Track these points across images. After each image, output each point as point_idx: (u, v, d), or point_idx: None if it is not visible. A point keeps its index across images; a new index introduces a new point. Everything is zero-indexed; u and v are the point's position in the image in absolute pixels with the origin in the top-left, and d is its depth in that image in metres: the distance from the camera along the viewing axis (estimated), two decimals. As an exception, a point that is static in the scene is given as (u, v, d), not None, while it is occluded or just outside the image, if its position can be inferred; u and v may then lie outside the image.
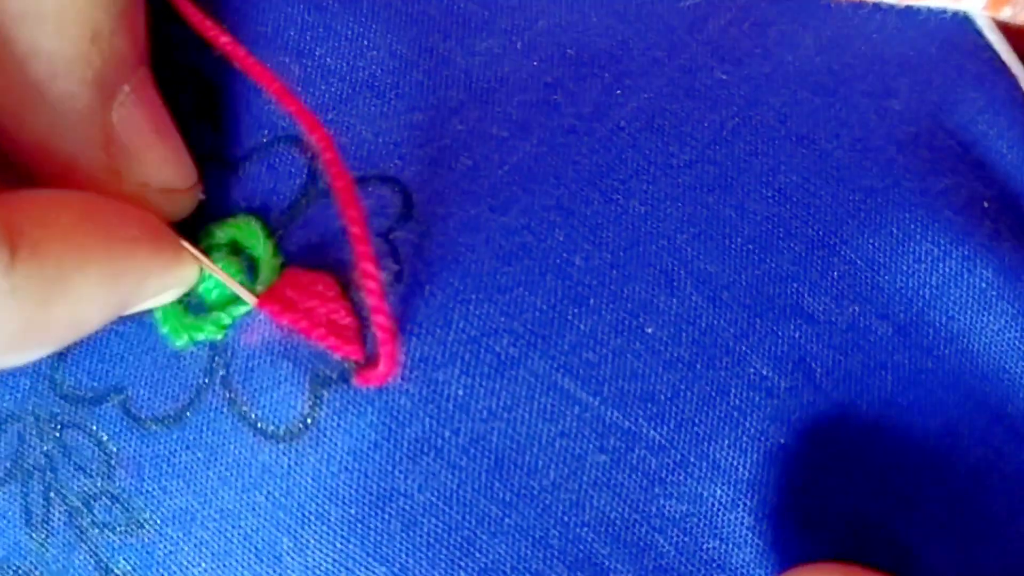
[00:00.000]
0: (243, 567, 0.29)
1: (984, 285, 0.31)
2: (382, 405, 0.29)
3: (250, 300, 0.30)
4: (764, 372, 0.30)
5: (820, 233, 0.31)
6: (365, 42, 0.32)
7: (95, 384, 0.31)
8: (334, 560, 0.29)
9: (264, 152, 0.32)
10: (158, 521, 0.30)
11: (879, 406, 0.31)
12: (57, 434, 0.30)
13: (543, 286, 0.30)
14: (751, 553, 0.30)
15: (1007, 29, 0.34)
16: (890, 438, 0.31)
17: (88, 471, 0.30)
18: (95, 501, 0.30)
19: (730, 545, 0.30)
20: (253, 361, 0.30)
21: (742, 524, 0.30)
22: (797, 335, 0.30)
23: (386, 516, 0.29)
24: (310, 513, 0.29)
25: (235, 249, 0.31)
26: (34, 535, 0.30)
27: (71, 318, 0.27)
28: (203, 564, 0.29)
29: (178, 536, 0.30)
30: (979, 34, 0.34)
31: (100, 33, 0.28)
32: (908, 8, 0.34)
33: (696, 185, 0.31)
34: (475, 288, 0.30)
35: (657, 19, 0.33)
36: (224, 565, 0.29)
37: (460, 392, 0.29)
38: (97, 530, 0.30)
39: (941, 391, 0.31)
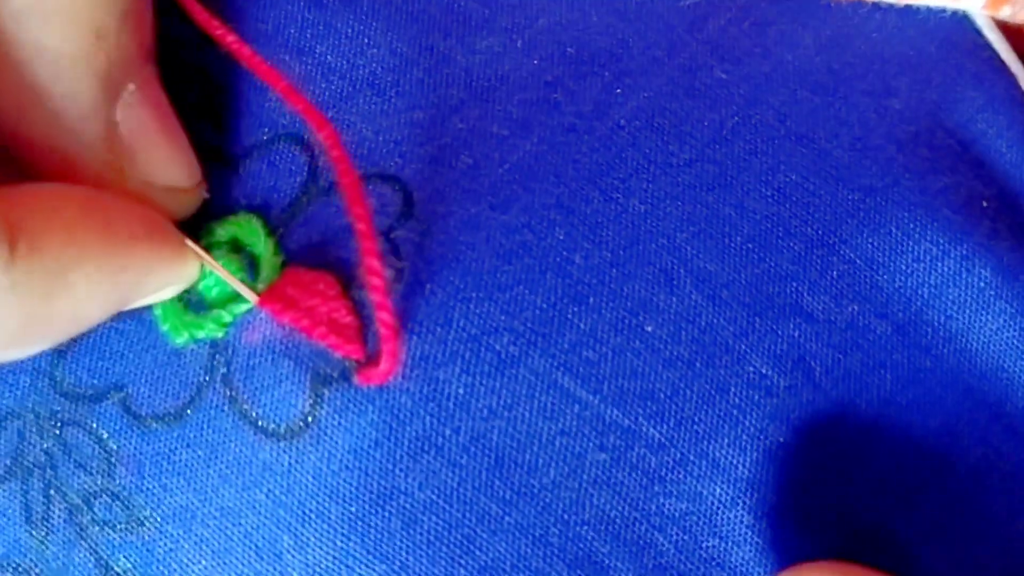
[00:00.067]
0: (243, 565, 0.29)
1: (983, 284, 0.31)
2: (383, 403, 0.29)
3: (251, 298, 0.30)
4: (763, 371, 0.30)
5: (819, 232, 0.31)
6: (365, 40, 0.33)
7: (95, 382, 0.31)
8: (334, 558, 0.29)
9: (265, 150, 0.32)
10: (158, 519, 0.30)
11: (878, 405, 0.31)
12: (57, 432, 0.30)
13: (543, 284, 0.30)
14: (750, 551, 0.30)
15: (1006, 28, 0.34)
16: (889, 437, 0.31)
17: (88, 469, 0.30)
18: (95, 499, 0.30)
19: (729, 543, 0.30)
20: (254, 359, 0.30)
21: (741, 522, 0.30)
22: (796, 334, 0.31)
23: (386, 514, 0.29)
24: (310, 511, 0.29)
25: (236, 247, 0.31)
26: (34, 533, 0.30)
27: (71, 313, 0.27)
28: (203, 562, 0.29)
29: (178, 534, 0.30)
30: (978, 33, 0.34)
31: (105, 31, 0.28)
32: (907, 7, 0.34)
33: (696, 184, 0.31)
34: (475, 286, 0.30)
35: (657, 18, 0.33)
36: (224, 563, 0.29)
37: (460, 390, 0.29)
38: (97, 528, 0.30)
39: (940, 390, 0.31)
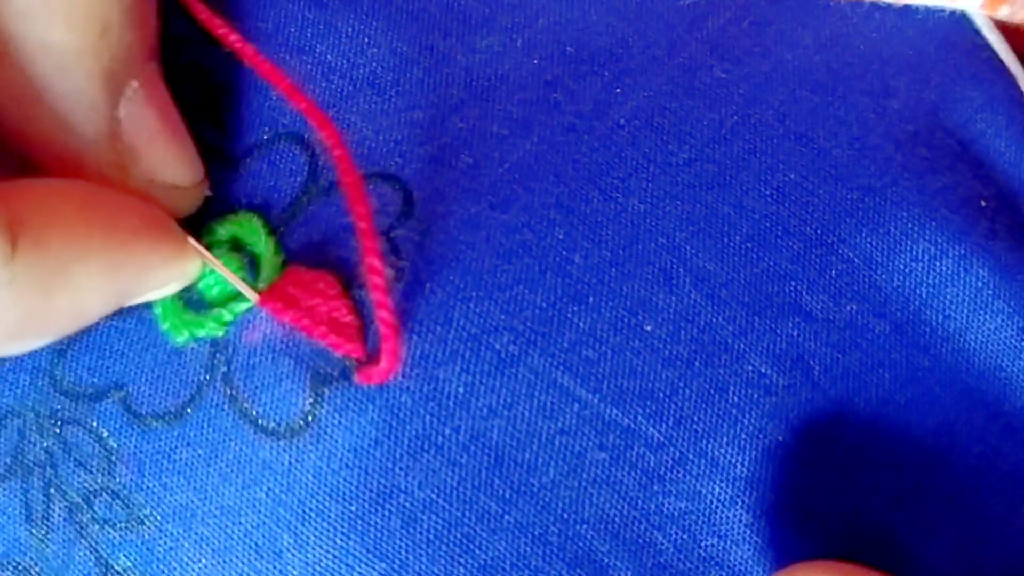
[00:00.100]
0: (243, 563, 0.29)
1: (980, 284, 0.31)
2: (382, 402, 0.29)
3: (252, 297, 0.30)
4: (762, 369, 0.30)
5: (818, 231, 0.31)
6: (366, 39, 0.33)
7: (95, 380, 0.31)
8: (334, 557, 0.29)
9: (265, 149, 0.32)
10: (158, 517, 0.30)
11: (876, 404, 0.31)
12: (57, 430, 0.30)
13: (543, 284, 0.30)
14: (749, 550, 0.30)
15: (1005, 28, 0.34)
16: (887, 436, 0.31)
17: (88, 467, 0.30)
18: (95, 497, 0.30)
19: (728, 542, 0.30)
20: (254, 358, 0.30)
21: (740, 521, 0.30)
22: (795, 333, 0.31)
23: (386, 513, 0.29)
24: (310, 510, 0.29)
25: (236, 246, 0.31)
26: (34, 531, 0.30)
27: (71, 308, 0.27)
28: (203, 560, 0.29)
29: (178, 532, 0.30)
30: (977, 33, 0.34)
31: (110, 27, 0.28)
32: (906, 7, 0.34)
33: (695, 183, 0.31)
34: (475, 286, 0.30)
35: (657, 17, 0.33)
36: (224, 561, 0.29)
37: (460, 389, 0.29)
38: (97, 526, 0.30)
39: (938, 389, 0.31)
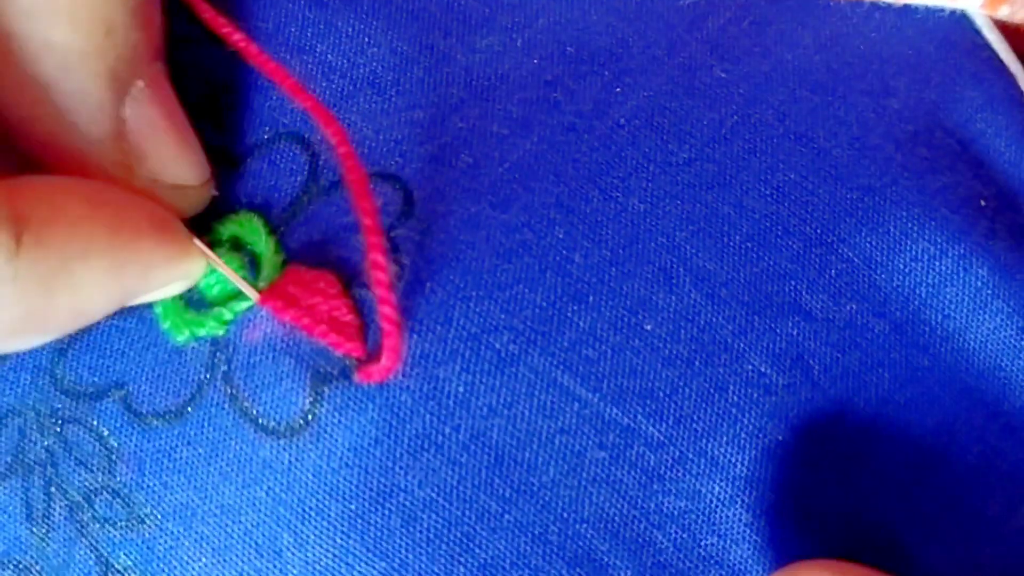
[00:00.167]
0: (243, 562, 0.29)
1: (980, 284, 0.31)
2: (383, 401, 0.29)
3: (253, 296, 0.30)
4: (762, 369, 0.30)
5: (818, 231, 0.31)
6: (366, 39, 0.33)
7: (96, 379, 0.31)
8: (334, 556, 0.29)
9: (266, 149, 0.32)
10: (159, 516, 0.30)
11: (876, 403, 0.31)
12: (58, 429, 0.31)
13: (543, 283, 0.30)
14: (748, 549, 0.30)
15: (1005, 28, 0.34)
16: (887, 435, 0.31)
17: (89, 466, 0.30)
18: (96, 496, 0.30)
19: (728, 541, 0.30)
20: (254, 357, 0.30)
21: (740, 520, 0.30)
22: (795, 332, 0.31)
23: (386, 512, 0.29)
24: (310, 509, 0.29)
25: (236, 245, 0.31)
26: (35, 530, 0.30)
27: (74, 306, 0.27)
28: (203, 559, 0.30)
29: (179, 531, 0.30)
30: (977, 33, 0.34)
31: (114, 27, 0.28)
32: (906, 7, 0.34)
33: (695, 183, 0.31)
34: (475, 285, 0.30)
35: (657, 17, 0.33)
36: (224, 560, 0.29)
37: (460, 389, 0.29)
38: (98, 525, 0.30)
39: (937, 389, 0.31)
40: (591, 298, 0.30)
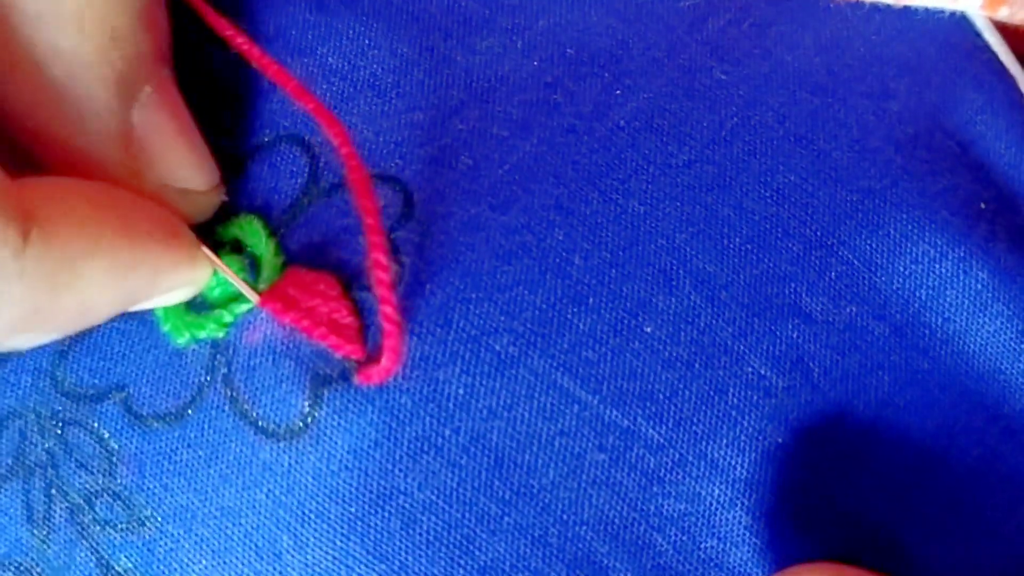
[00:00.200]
0: (243, 565, 0.29)
1: (980, 287, 0.31)
2: (382, 404, 0.29)
3: (253, 298, 0.30)
4: (762, 371, 0.30)
5: (818, 233, 0.31)
6: (367, 41, 0.33)
7: (97, 381, 0.31)
8: (334, 558, 0.29)
9: (266, 152, 0.32)
10: (159, 518, 0.30)
11: (876, 406, 0.31)
12: (59, 431, 0.31)
13: (543, 285, 0.30)
14: (748, 552, 0.30)
15: (1005, 30, 0.34)
16: (887, 438, 0.31)
17: (90, 468, 0.30)
18: (96, 498, 0.30)
19: (728, 544, 0.30)
20: (255, 359, 0.30)
21: (739, 523, 0.30)
22: (795, 335, 0.31)
23: (386, 514, 0.29)
24: (310, 511, 0.29)
25: (237, 248, 0.31)
26: (36, 532, 0.30)
27: (79, 305, 0.27)
28: (203, 561, 0.30)
29: (179, 534, 0.30)
30: (977, 35, 0.34)
31: (120, 33, 0.28)
32: (906, 8, 0.34)
33: (695, 185, 0.31)
34: (475, 287, 0.30)
35: (657, 19, 0.33)
36: (224, 563, 0.29)
37: (460, 391, 0.29)
38: (98, 527, 0.30)
39: (937, 391, 0.31)
40: (591, 300, 0.30)
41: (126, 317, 0.31)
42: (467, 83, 0.32)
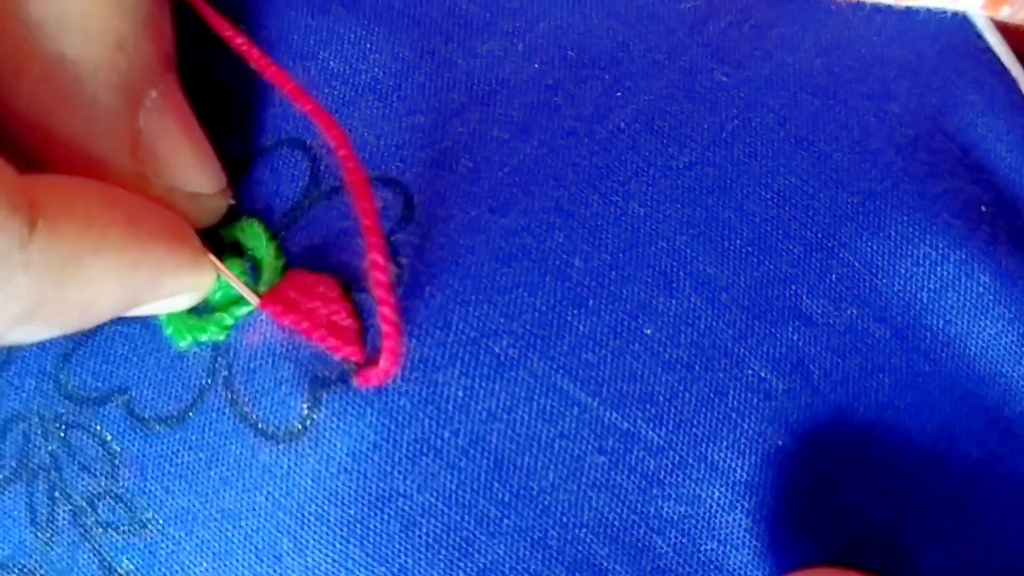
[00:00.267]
0: (243, 567, 0.29)
1: (981, 289, 0.31)
2: (381, 406, 0.29)
3: (253, 300, 0.30)
4: (762, 374, 0.30)
5: (819, 235, 0.31)
6: (368, 45, 0.33)
7: (99, 384, 0.31)
8: (333, 560, 0.29)
9: (266, 155, 0.32)
10: (161, 521, 0.30)
11: (876, 409, 0.31)
12: (62, 434, 0.31)
13: (542, 287, 0.30)
14: (749, 555, 0.30)
15: (1007, 31, 0.34)
16: (887, 441, 0.31)
17: (92, 471, 0.30)
18: (99, 501, 0.30)
19: (728, 547, 0.30)
20: (255, 362, 0.30)
21: (740, 526, 0.30)
22: (795, 337, 0.31)
23: (385, 517, 0.29)
24: (310, 514, 0.29)
25: (237, 250, 0.31)
26: (39, 534, 0.30)
27: (83, 301, 0.27)
28: (204, 564, 0.30)
29: (180, 536, 0.30)
30: (979, 36, 0.34)
31: (125, 39, 0.28)
32: (908, 9, 0.34)
33: (695, 187, 0.31)
34: (475, 289, 0.30)
35: (657, 21, 0.33)
36: (225, 565, 0.29)
37: (459, 393, 0.29)
38: (101, 529, 0.30)
39: (938, 394, 0.31)
40: (591, 302, 0.30)
41: (128, 321, 0.31)
42: (468, 86, 0.32)
